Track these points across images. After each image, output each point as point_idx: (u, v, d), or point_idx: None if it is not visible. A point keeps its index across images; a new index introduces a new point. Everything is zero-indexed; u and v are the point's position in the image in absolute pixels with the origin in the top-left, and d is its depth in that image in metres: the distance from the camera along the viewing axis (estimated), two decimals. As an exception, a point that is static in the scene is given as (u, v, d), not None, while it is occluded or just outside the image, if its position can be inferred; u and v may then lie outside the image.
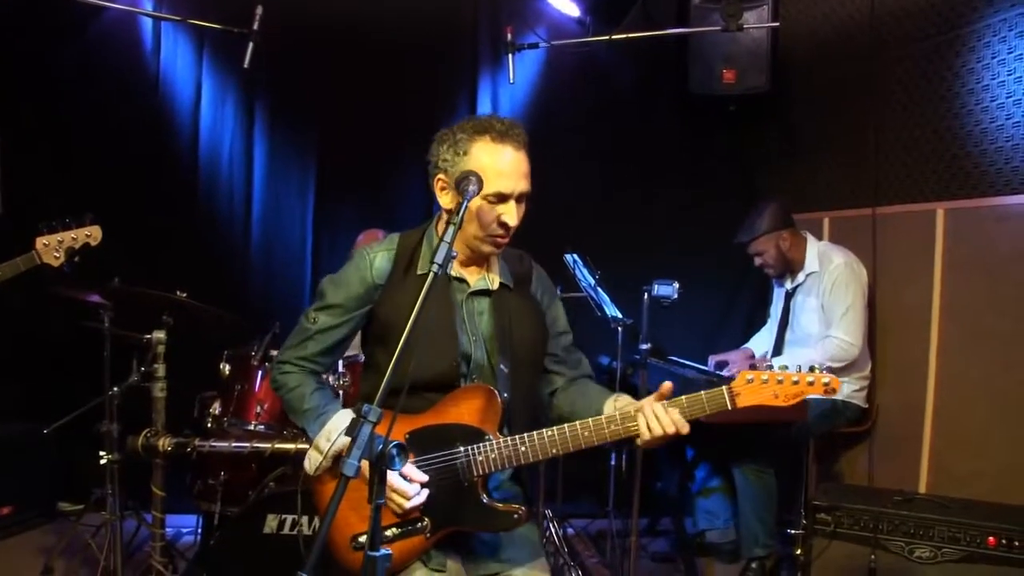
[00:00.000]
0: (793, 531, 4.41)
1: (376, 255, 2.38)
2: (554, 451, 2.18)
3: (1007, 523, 3.23)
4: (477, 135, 2.24)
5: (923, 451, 4.34)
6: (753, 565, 4.43)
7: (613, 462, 4.66)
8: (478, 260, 2.40)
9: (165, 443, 3.52)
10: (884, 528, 3.41)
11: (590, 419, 2.18)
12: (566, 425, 2.18)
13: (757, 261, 4.82)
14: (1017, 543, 3.17)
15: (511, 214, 2.25)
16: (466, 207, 2.06)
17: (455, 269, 2.37)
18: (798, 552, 4.22)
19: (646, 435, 2.15)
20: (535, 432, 2.19)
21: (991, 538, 3.21)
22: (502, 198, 2.22)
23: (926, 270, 4.37)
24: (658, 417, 2.14)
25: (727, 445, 4.61)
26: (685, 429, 2.15)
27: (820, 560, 3.56)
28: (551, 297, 2.58)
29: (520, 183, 2.25)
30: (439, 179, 2.32)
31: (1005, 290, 3.95)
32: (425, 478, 2.20)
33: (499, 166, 2.22)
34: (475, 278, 2.40)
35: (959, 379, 4.22)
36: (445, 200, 2.34)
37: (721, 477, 4.87)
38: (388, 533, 2.19)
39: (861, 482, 4.72)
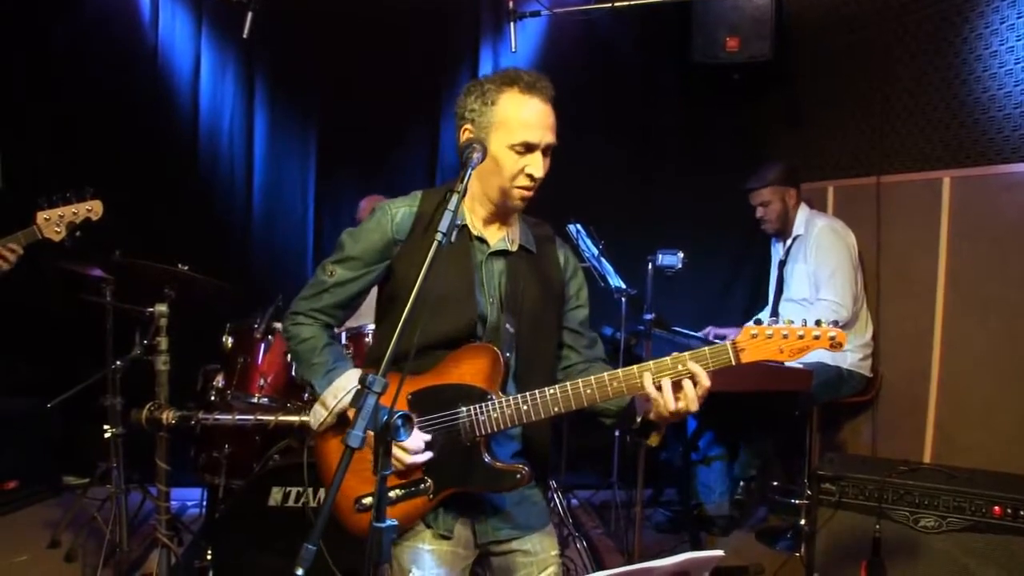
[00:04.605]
0: (798, 501, 4.43)
1: (398, 210, 2.35)
2: (556, 409, 2.16)
3: (1012, 492, 3.23)
4: (505, 86, 2.25)
5: (928, 420, 4.34)
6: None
7: (617, 433, 4.65)
8: (501, 217, 2.38)
9: (169, 416, 3.51)
10: (889, 498, 3.41)
11: (592, 377, 2.16)
12: (568, 383, 2.16)
13: (759, 212, 4.83)
14: (1022, 512, 3.17)
15: (537, 165, 2.24)
16: (470, 175, 2.04)
17: (477, 228, 2.36)
18: (803, 522, 4.24)
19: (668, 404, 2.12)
20: (536, 391, 2.18)
21: (996, 507, 3.21)
22: (529, 148, 2.22)
23: (932, 239, 4.34)
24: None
25: (731, 415, 4.62)
26: (707, 382, 2.12)
27: (825, 530, 3.56)
28: (576, 267, 2.56)
29: (547, 134, 2.25)
30: (466, 129, 2.31)
31: (1012, 259, 3.93)
32: (426, 437, 2.20)
33: (526, 116, 2.22)
34: (496, 238, 2.38)
35: (964, 348, 4.21)
36: None
37: (723, 447, 4.88)
38: (391, 495, 2.18)
39: (864, 452, 4.72)
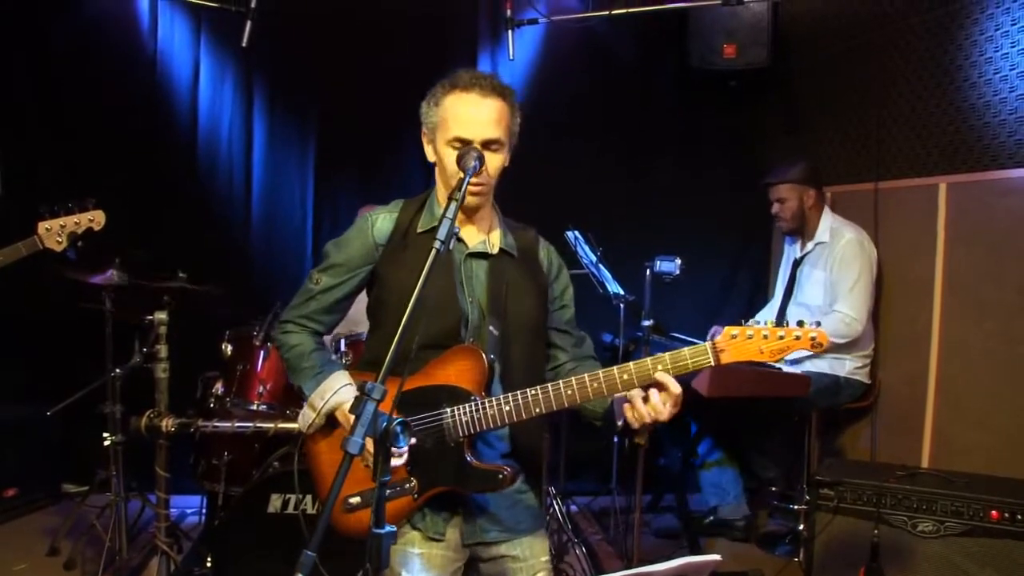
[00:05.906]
0: (796, 506, 4.43)
1: (378, 217, 2.43)
2: (537, 410, 2.17)
3: (1010, 497, 3.24)
4: (449, 86, 2.32)
5: (926, 424, 4.34)
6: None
7: (616, 439, 4.66)
8: (469, 215, 2.40)
9: (168, 424, 3.52)
10: (887, 503, 3.42)
11: (573, 378, 2.17)
12: (549, 384, 2.17)
13: (775, 208, 4.81)
14: (1020, 516, 3.18)
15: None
16: (467, 183, 2.06)
17: None
18: (802, 527, 4.24)
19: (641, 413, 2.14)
20: (518, 392, 2.19)
21: (994, 512, 3.23)
22: (464, 143, 2.25)
23: (929, 244, 4.35)
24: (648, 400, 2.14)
25: (730, 420, 4.62)
26: (677, 390, 2.12)
27: (823, 535, 3.57)
28: (560, 267, 2.58)
29: (484, 129, 2.26)
30: (424, 132, 2.41)
31: (1008, 263, 3.94)
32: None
33: (460, 111, 2.27)
34: (474, 240, 2.41)
35: (962, 352, 4.21)
36: (428, 153, 2.41)
37: (722, 451, 4.88)
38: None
39: (864, 457, 4.73)
